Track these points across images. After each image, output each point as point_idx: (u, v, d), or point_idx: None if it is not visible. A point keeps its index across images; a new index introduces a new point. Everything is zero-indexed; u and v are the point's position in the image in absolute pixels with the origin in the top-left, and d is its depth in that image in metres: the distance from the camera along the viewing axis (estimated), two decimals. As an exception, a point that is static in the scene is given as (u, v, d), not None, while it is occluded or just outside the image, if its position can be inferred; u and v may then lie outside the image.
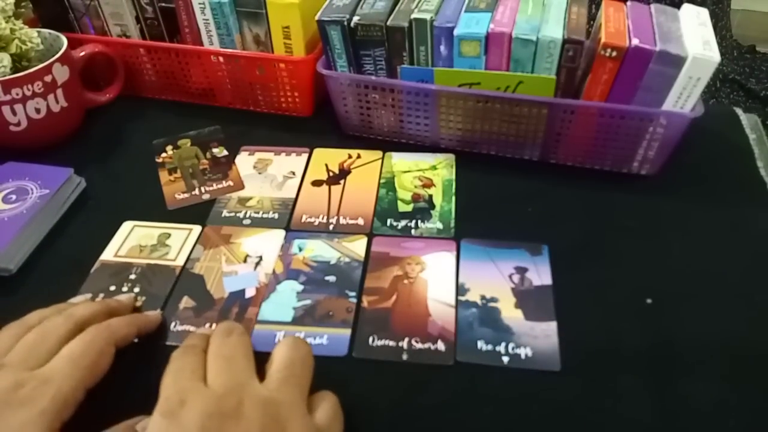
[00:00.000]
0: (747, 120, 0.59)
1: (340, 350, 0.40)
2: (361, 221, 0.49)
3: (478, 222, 0.49)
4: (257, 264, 0.46)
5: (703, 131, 0.50)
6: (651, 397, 0.37)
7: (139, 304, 0.43)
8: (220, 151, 0.57)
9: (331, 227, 0.49)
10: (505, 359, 0.39)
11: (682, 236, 0.48)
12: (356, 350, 0.40)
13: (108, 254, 0.47)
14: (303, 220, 0.50)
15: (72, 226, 0.50)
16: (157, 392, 0.31)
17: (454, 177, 0.54)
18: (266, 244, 0.48)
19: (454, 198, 0.51)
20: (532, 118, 0.51)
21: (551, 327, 0.41)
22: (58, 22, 0.61)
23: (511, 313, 0.42)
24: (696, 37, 0.46)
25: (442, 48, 0.50)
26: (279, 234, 0.49)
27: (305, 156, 0.57)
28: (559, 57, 0.47)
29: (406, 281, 0.44)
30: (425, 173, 0.54)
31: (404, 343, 0.40)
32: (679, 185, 0.52)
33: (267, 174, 0.55)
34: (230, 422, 0.29)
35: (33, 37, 0.55)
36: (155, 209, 0.51)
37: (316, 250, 0.47)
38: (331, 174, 0.55)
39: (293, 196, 0.52)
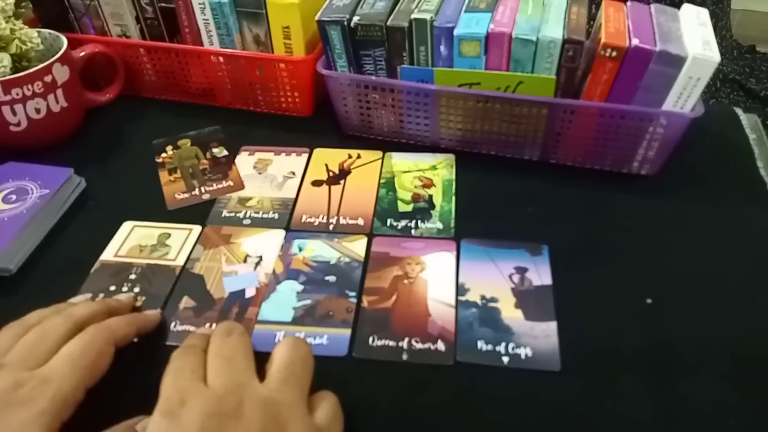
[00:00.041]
0: (747, 120, 0.59)
1: (340, 350, 0.40)
2: (361, 221, 0.49)
3: (478, 222, 0.49)
4: (257, 264, 0.46)
5: (703, 131, 0.50)
6: (651, 397, 0.37)
7: (139, 304, 0.43)
8: (220, 151, 0.57)
9: (331, 227, 0.49)
10: (505, 359, 0.39)
11: (682, 236, 0.48)
12: (356, 350, 0.40)
13: (108, 254, 0.47)
14: (303, 220, 0.50)
15: (72, 226, 0.50)
16: (157, 392, 0.31)
17: (454, 177, 0.54)
18: (266, 244, 0.48)
19: (454, 198, 0.51)
20: (532, 118, 0.51)
21: (551, 327, 0.41)
22: (58, 22, 0.61)
23: (511, 313, 0.42)
24: (696, 37, 0.46)
25: (442, 48, 0.50)
26: (279, 234, 0.49)
27: (305, 156, 0.57)
28: (559, 57, 0.47)
29: (406, 281, 0.44)
30: (425, 173, 0.54)
31: (404, 343, 0.40)
32: (679, 185, 0.52)
33: (267, 174, 0.55)
34: (230, 422, 0.29)
35: (33, 37, 0.55)
36: (155, 209, 0.51)
37: (316, 250, 0.47)
38: (331, 174, 0.55)
39: (293, 196, 0.52)
